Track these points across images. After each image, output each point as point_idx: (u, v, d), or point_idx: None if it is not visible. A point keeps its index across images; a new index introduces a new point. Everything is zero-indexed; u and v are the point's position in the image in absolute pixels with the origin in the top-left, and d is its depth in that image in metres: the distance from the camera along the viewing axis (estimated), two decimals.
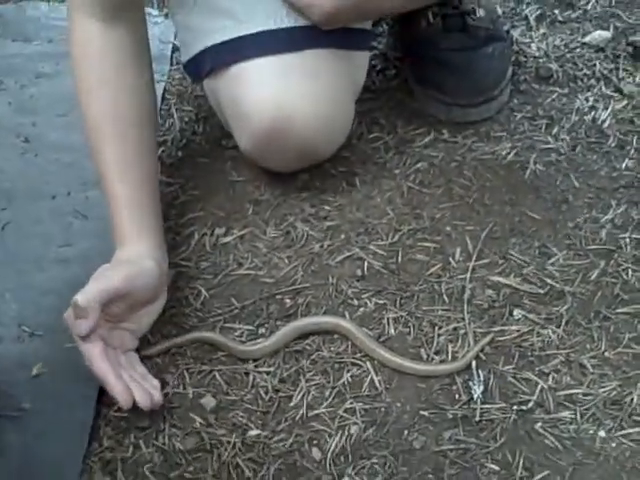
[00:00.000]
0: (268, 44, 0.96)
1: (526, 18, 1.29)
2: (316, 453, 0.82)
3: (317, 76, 0.97)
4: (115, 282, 0.85)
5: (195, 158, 1.14)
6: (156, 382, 0.87)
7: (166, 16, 1.36)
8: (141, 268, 0.89)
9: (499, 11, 1.25)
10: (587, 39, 1.23)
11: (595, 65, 1.19)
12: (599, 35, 1.22)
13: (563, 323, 0.90)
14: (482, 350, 0.88)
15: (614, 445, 0.80)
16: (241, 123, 0.99)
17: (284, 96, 0.94)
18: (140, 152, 0.97)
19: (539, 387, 0.85)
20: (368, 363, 0.89)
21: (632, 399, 0.83)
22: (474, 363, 0.87)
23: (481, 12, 1.11)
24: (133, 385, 0.84)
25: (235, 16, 0.97)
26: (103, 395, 0.87)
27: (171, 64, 1.30)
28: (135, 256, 0.90)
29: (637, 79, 1.17)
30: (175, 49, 1.31)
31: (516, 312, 0.91)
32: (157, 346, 0.92)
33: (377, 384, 0.87)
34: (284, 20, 0.97)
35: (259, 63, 0.95)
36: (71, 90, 1.23)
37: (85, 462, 0.83)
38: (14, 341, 0.94)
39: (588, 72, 1.18)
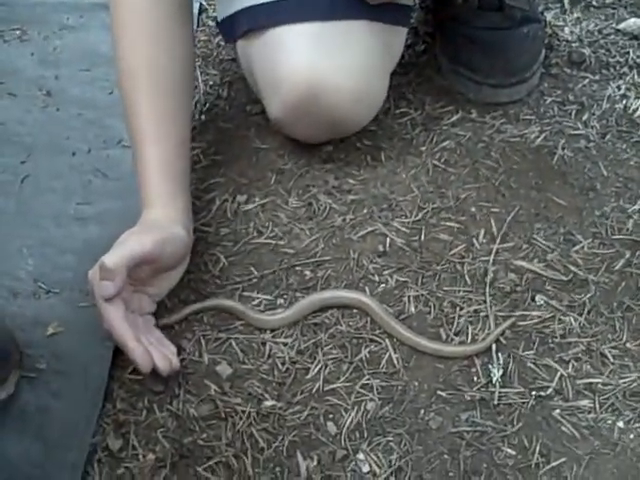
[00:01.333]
0: (309, 10, 0.94)
1: (560, 1, 1.27)
2: (331, 427, 0.82)
3: (354, 47, 0.95)
4: (146, 247, 0.84)
5: (218, 123, 1.12)
6: (173, 347, 0.87)
7: None
8: (171, 234, 0.87)
9: None
10: (621, 26, 1.21)
11: (628, 53, 1.18)
12: (634, 22, 1.21)
13: (585, 311, 0.89)
14: (503, 334, 0.88)
15: (632, 436, 0.80)
16: (273, 89, 0.97)
17: (319, 65, 0.93)
18: (178, 109, 0.95)
19: (558, 374, 0.84)
20: (387, 340, 0.88)
21: None
22: (494, 346, 0.86)
23: None
24: (152, 349, 0.83)
25: None
26: (117, 357, 0.87)
27: (197, 25, 1.27)
28: (164, 220, 0.89)
29: None
30: (202, 10, 1.29)
31: (538, 298, 0.91)
32: (174, 315, 0.91)
33: (395, 362, 0.86)
34: None
35: (297, 29, 0.94)
36: (95, 45, 1.24)
37: (98, 423, 0.82)
38: (30, 297, 0.93)
39: (621, 60, 1.17)
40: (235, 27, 1.01)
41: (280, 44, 0.94)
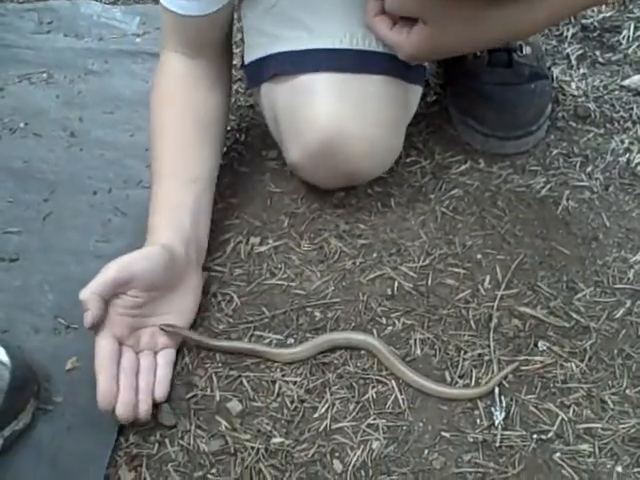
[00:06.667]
0: (338, 61, 0.97)
1: (567, 57, 1.30)
2: (337, 465, 0.84)
3: (376, 100, 0.98)
4: (110, 272, 0.88)
5: (235, 167, 1.16)
6: (160, 394, 0.88)
7: None
8: (140, 253, 0.91)
9: (543, 49, 1.27)
10: (626, 82, 1.25)
11: (632, 108, 1.21)
12: (638, 79, 1.24)
13: (586, 358, 0.92)
14: (506, 378, 0.90)
15: None
16: (294, 133, 1.00)
17: (342, 114, 0.96)
18: (197, 165, 1.01)
19: (559, 418, 0.87)
20: (393, 381, 0.90)
21: None
22: (497, 390, 0.89)
23: (527, 50, 1.13)
24: (125, 393, 0.85)
25: (311, 28, 0.99)
26: None
27: None
28: (145, 246, 0.94)
29: None
30: None
31: (541, 343, 0.93)
32: (223, 342, 0.94)
33: (401, 402, 0.89)
34: (359, 42, 0.98)
35: (324, 77, 0.97)
36: (118, 90, 1.30)
37: (111, 456, 0.85)
38: (50, 333, 0.96)
39: (625, 115, 1.20)
40: (262, 71, 1.04)
41: (306, 90, 0.97)
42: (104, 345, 0.87)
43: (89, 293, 0.86)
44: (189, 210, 0.98)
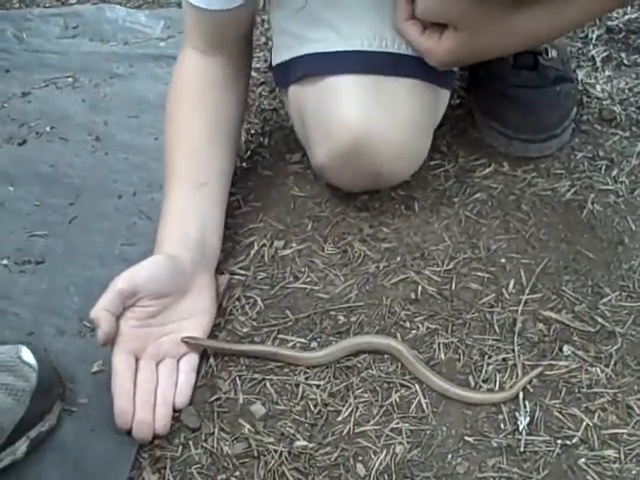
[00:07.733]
0: (367, 64, 0.97)
1: (592, 59, 1.30)
2: (360, 469, 0.84)
3: (405, 103, 0.98)
4: (116, 286, 0.89)
5: (258, 170, 1.17)
6: (181, 403, 0.89)
7: None
8: (145, 263, 0.92)
9: (569, 52, 1.26)
10: None
11: None
12: None
13: (612, 363, 0.91)
14: (530, 382, 0.90)
15: None
16: (322, 134, 0.99)
17: (371, 116, 0.95)
18: (206, 169, 1.02)
19: (584, 424, 0.86)
20: (416, 385, 0.90)
21: None
22: (521, 394, 0.88)
23: (553, 53, 1.13)
24: (140, 412, 0.86)
25: (340, 30, 0.98)
26: None
27: None
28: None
29: None
30: None
31: (566, 348, 0.93)
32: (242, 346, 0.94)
33: (424, 407, 0.88)
34: (388, 44, 0.97)
35: (353, 79, 0.96)
36: (143, 93, 1.31)
37: (135, 458, 0.85)
38: (75, 335, 0.97)
39: None
40: (290, 72, 1.03)
41: (334, 91, 0.97)
42: (119, 362, 0.88)
43: (98, 310, 0.87)
44: (195, 216, 0.98)
